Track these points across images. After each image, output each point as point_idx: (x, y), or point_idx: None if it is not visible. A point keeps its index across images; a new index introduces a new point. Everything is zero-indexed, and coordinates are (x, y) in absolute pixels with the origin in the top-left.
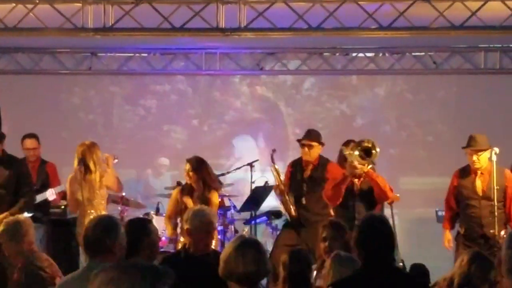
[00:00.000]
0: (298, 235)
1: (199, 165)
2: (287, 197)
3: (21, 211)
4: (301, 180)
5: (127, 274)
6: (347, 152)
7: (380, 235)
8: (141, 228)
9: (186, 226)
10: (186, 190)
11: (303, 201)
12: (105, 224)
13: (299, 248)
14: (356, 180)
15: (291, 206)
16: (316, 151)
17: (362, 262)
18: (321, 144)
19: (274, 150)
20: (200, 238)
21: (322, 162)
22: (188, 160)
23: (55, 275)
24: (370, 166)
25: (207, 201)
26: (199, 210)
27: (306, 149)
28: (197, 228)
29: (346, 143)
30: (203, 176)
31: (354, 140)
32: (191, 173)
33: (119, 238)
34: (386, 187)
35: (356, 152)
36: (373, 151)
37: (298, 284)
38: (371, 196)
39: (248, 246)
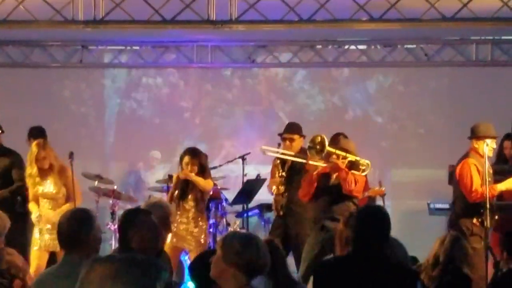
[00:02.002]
0: (285, 226)
1: (197, 153)
2: (281, 198)
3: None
4: (283, 171)
5: (132, 267)
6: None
7: (377, 222)
8: (85, 219)
9: None
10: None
11: (285, 192)
12: (79, 217)
13: (270, 239)
14: (333, 175)
15: (281, 207)
16: (298, 144)
17: (352, 247)
18: (302, 136)
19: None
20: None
21: (303, 153)
22: (186, 152)
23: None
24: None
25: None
26: (154, 203)
27: (288, 142)
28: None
29: (335, 136)
30: (201, 163)
31: (343, 133)
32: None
33: (94, 231)
34: (352, 180)
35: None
36: (318, 144)
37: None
38: (341, 189)
39: (255, 238)
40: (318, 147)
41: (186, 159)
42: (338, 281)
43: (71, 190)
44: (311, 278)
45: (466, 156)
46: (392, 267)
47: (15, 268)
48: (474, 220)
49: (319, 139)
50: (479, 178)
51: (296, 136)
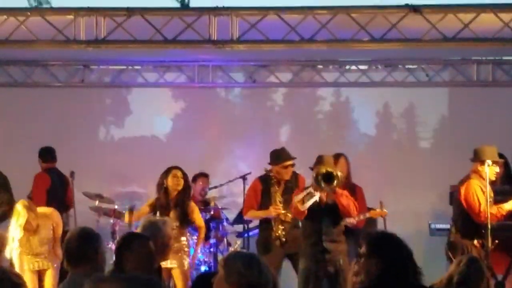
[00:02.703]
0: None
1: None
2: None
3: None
4: (276, 194)
5: (137, 285)
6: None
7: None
8: (92, 237)
9: None
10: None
11: (274, 226)
12: (86, 235)
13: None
14: (323, 195)
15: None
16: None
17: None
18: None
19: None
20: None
21: (294, 175)
22: (177, 167)
23: None
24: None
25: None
26: (153, 222)
27: (290, 168)
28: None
29: (335, 157)
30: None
31: (344, 154)
32: (182, 180)
33: (101, 249)
34: (350, 205)
35: (322, 183)
36: (334, 174)
37: None
38: (338, 209)
39: (256, 259)
40: (335, 181)
41: (178, 173)
42: None
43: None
44: None
45: (468, 178)
46: None
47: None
48: (475, 242)
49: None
50: (484, 199)
51: (292, 162)
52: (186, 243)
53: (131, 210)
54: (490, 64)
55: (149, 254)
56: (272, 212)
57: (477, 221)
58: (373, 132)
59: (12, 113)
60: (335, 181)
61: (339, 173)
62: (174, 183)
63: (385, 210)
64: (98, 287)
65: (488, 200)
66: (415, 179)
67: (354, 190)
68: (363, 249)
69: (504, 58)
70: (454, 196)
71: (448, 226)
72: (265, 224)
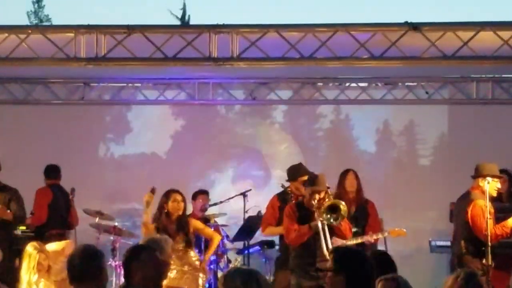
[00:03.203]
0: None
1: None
2: None
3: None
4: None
5: None
6: (318, 214)
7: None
8: (97, 255)
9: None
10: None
11: None
12: (92, 252)
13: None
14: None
15: None
16: None
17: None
18: None
19: (283, 186)
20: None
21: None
22: (176, 191)
23: None
24: None
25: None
26: (155, 239)
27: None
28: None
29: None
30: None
31: (353, 169)
32: (182, 203)
33: (104, 265)
34: (347, 231)
35: (328, 216)
36: (341, 210)
37: None
38: (332, 233)
39: (259, 275)
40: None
41: (178, 197)
42: None
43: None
44: None
45: (468, 194)
46: None
47: None
48: (484, 261)
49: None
50: (491, 218)
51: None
52: (197, 257)
53: (152, 191)
54: (489, 82)
55: (157, 265)
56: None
57: (484, 239)
58: (373, 149)
59: (12, 131)
60: (340, 217)
61: (343, 206)
62: (175, 208)
63: (404, 230)
64: None
65: (488, 217)
66: (415, 197)
67: (366, 206)
68: (329, 264)
69: (504, 76)
70: (458, 215)
71: (448, 243)
72: (287, 245)
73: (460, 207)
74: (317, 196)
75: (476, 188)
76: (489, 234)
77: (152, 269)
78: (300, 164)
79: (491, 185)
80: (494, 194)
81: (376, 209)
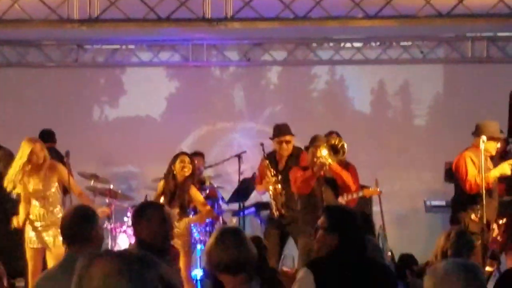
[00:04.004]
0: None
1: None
2: (280, 197)
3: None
4: (276, 172)
5: (131, 264)
6: (316, 151)
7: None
8: (88, 216)
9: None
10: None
11: (283, 190)
12: (83, 213)
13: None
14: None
15: (281, 205)
16: (292, 143)
17: (336, 244)
18: (293, 135)
19: (262, 144)
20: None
21: (296, 152)
22: (184, 153)
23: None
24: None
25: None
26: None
27: (284, 145)
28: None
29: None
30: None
31: (336, 132)
32: (190, 165)
33: (97, 227)
34: (350, 181)
35: (325, 151)
36: (340, 148)
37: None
38: (337, 183)
39: (228, 234)
40: (341, 150)
41: (186, 158)
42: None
43: (67, 184)
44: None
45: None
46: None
47: None
48: (473, 216)
49: (341, 144)
50: (475, 169)
51: (291, 137)
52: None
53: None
54: (484, 41)
55: (163, 220)
56: (264, 185)
57: (466, 190)
58: (368, 110)
59: (6, 94)
60: (339, 153)
61: (343, 143)
62: (180, 169)
63: (378, 189)
64: (90, 263)
65: (483, 174)
66: (410, 157)
67: (347, 168)
68: (322, 222)
69: (499, 34)
70: (451, 172)
71: (443, 203)
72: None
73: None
74: (318, 150)
75: (474, 146)
76: (483, 185)
77: (159, 225)
78: (283, 124)
79: (491, 145)
80: (493, 153)
81: (357, 171)
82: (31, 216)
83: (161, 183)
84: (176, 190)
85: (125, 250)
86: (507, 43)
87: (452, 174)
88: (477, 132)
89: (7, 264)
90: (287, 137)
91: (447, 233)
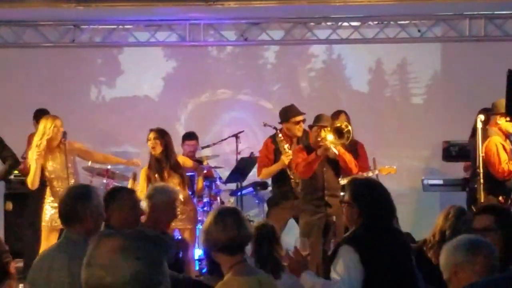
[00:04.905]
0: (288, 209)
1: (163, 134)
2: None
3: (8, 173)
4: (283, 146)
5: (138, 241)
6: (323, 140)
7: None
8: (83, 195)
9: (149, 202)
10: (153, 166)
11: (291, 175)
12: (77, 192)
13: (263, 223)
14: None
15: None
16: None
17: (363, 221)
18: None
19: (265, 124)
20: (161, 216)
21: (304, 133)
22: (151, 130)
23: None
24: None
25: (180, 167)
26: (163, 187)
27: (302, 124)
28: (160, 205)
29: (335, 114)
30: (166, 143)
31: (344, 111)
32: (157, 141)
33: (91, 207)
34: (352, 163)
35: (330, 136)
36: (345, 132)
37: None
38: (338, 165)
39: (226, 214)
40: (345, 137)
41: (151, 135)
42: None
43: (88, 154)
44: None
45: (485, 131)
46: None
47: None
48: (500, 198)
49: (347, 129)
50: (505, 155)
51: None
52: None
53: (134, 178)
54: (482, 19)
55: (134, 206)
56: (284, 160)
57: (498, 177)
58: (366, 89)
59: (2, 74)
60: (344, 137)
61: (349, 128)
62: (151, 147)
63: (394, 167)
64: (100, 243)
65: (481, 155)
66: (408, 136)
67: (356, 147)
68: (344, 196)
69: (496, 12)
70: (473, 151)
71: (441, 182)
72: (280, 182)
73: (474, 144)
74: (322, 132)
75: (493, 125)
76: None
77: (128, 210)
78: (292, 106)
79: (509, 123)
80: (511, 130)
81: (365, 149)
82: (50, 197)
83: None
84: (156, 167)
85: (137, 229)
86: (505, 21)
87: (450, 153)
88: (495, 110)
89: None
90: (303, 117)
91: (446, 212)
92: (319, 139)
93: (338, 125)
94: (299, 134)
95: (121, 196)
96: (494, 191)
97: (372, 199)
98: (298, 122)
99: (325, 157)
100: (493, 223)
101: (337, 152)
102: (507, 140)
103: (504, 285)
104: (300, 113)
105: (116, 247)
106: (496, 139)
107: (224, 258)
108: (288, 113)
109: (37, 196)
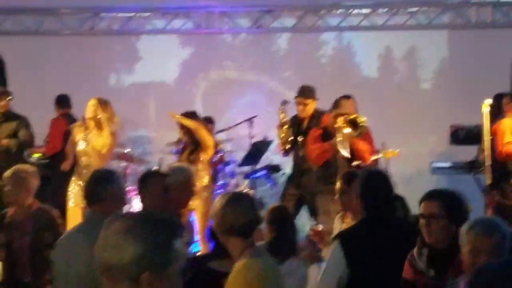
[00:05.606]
0: (299, 185)
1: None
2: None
3: (18, 147)
4: (297, 133)
5: (146, 223)
6: (339, 130)
7: (380, 188)
8: (104, 178)
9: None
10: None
11: (300, 152)
12: (98, 176)
13: (278, 205)
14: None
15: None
16: (311, 107)
17: (365, 213)
18: (315, 99)
19: (286, 102)
20: (180, 196)
21: (317, 114)
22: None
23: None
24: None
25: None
26: (178, 166)
27: (302, 107)
28: (174, 184)
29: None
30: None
31: (351, 96)
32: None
33: (112, 189)
34: (365, 151)
35: (348, 129)
36: (359, 124)
37: (280, 235)
38: (352, 155)
39: (241, 198)
40: (359, 130)
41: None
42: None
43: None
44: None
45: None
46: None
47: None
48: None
49: (362, 124)
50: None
51: (309, 100)
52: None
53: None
54: (489, 6)
55: (163, 188)
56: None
57: (497, 157)
58: (376, 75)
59: (25, 61)
60: (358, 129)
61: (363, 120)
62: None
63: (396, 150)
64: (110, 225)
65: (489, 138)
66: (416, 120)
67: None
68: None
69: (503, 0)
70: (458, 135)
71: (448, 165)
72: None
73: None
74: (339, 120)
75: (509, 111)
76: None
77: (158, 193)
78: (305, 86)
79: None
80: None
81: (374, 134)
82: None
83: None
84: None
85: (146, 211)
86: None
87: (458, 137)
88: None
89: None
90: (302, 100)
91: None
92: (335, 126)
93: (353, 117)
94: (300, 114)
95: (151, 180)
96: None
97: (367, 190)
98: (297, 104)
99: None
100: (439, 208)
101: (348, 155)
102: None
103: None
104: (297, 96)
105: (122, 229)
106: (506, 122)
107: (236, 242)
108: (300, 91)
109: (63, 177)
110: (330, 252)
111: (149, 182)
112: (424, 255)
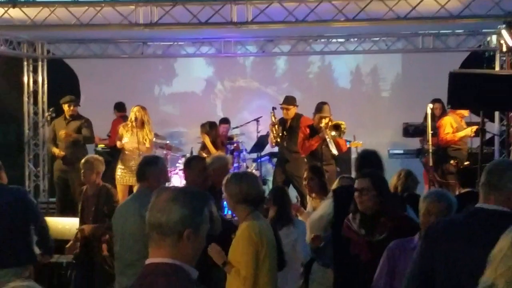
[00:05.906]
0: (285, 169)
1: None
2: (276, 128)
3: (82, 142)
4: (283, 129)
5: (186, 194)
6: (326, 132)
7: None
8: (150, 161)
9: (210, 167)
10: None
11: (285, 143)
12: (146, 160)
13: (279, 186)
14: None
15: (277, 135)
16: (293, 111)
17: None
18: (296, 106)
19: (274, 108)
20: (219, 177)
21: (297, 116)
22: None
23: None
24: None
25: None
26: (219, 155)
27: (285, 111)
28: (216, 168)
29: (320, 104)
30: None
31: (327, 102)
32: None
33: (155, 170)
34: (343, 144)
35: (333, 132)
36: (342, 127)
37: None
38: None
39: (251, 175)
40: (341, 132)
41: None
42: None
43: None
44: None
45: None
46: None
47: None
48: (452, 162)
49: (343, 127)
50: (451, 129)
51: (290, 107)
52: None
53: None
54: (431, 36)
55: (202, 169)
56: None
57: (439, 143)
58: (348, 86)
59: (93, 78)
60: (341, 132)
61: (344, 125)
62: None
63: (360, 142)
64: (159, 195)
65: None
66: (378, 119)
67: None
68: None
69: (442, 31)
70: (417, 130)
71: (401, 151)
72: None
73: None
74: (323, 120)
75: (450, 111)
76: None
77: (198, 173)
78: (287, 96)
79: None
80: (466, 114)
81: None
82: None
83: None
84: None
85: (186, 186)
86: (448, 37)
87: (408, 131)
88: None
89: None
90: (285, 106)
91: (398, 173)
92: (320, 125)
93: (336, 123)
94: (285, 116)
95: (193, 163)
96: (444, 159)
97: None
98: (282, 109)
99: (323, 139)
100: (369, 184)
101: (336, 152)
102: (463, 120)
103: (463, 220)
104: (283, 102)
105: (169, 197)
106: (448, 119)
107: (243, 209)
108: (285, 100)
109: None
110: (325, 201)
111: (192, 164)
112: (357, 219)
